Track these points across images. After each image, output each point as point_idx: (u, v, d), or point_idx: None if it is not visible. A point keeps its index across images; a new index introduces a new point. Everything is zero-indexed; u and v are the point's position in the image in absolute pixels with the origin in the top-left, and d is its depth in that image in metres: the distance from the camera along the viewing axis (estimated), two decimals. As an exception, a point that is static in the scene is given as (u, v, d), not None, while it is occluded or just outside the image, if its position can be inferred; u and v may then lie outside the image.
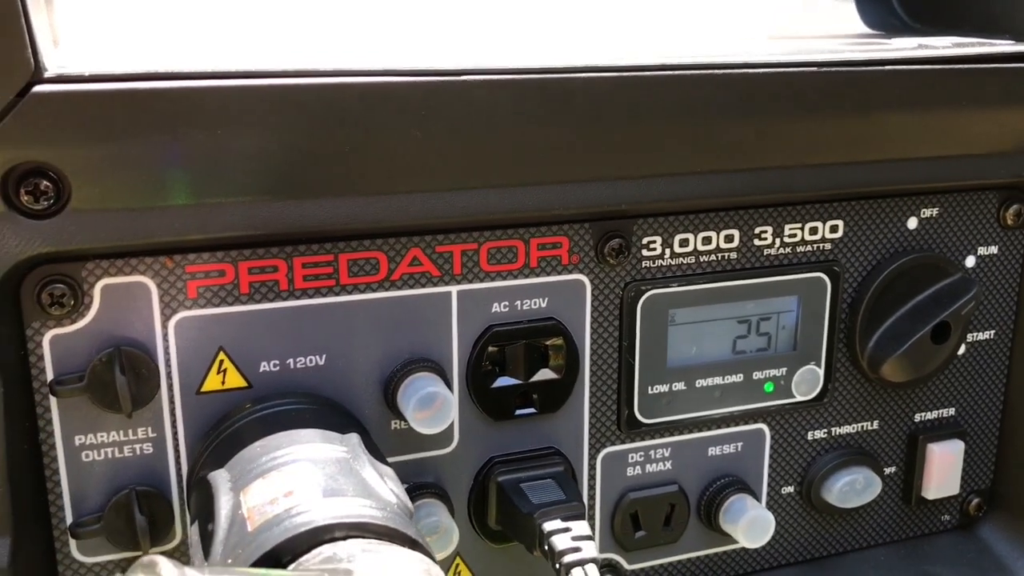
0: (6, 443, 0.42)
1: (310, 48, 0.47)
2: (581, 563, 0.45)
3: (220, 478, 0.41)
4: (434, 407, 0.47)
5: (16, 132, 0.38)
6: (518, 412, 0.51)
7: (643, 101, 0.46)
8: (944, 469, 0.61)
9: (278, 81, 0.41)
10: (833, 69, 0.49)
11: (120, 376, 0.42)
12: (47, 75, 0.38)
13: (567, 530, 0.46)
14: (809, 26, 0.61)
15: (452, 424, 0.50)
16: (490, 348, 0.50)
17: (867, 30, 0.62)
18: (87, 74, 0.38)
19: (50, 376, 0.43)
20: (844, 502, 0.59)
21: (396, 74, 0.42)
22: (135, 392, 0.43)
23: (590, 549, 0.45)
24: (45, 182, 0.39)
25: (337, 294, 0.47)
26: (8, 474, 0.42)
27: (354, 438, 0.43)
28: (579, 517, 0.47)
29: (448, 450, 0.51)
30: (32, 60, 0.37)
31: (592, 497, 0.54)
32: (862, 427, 0.59)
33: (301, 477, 0.39)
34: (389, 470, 0.42)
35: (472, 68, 0.43)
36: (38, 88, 0.37)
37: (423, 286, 0.48)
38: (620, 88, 0.46)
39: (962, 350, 0.60)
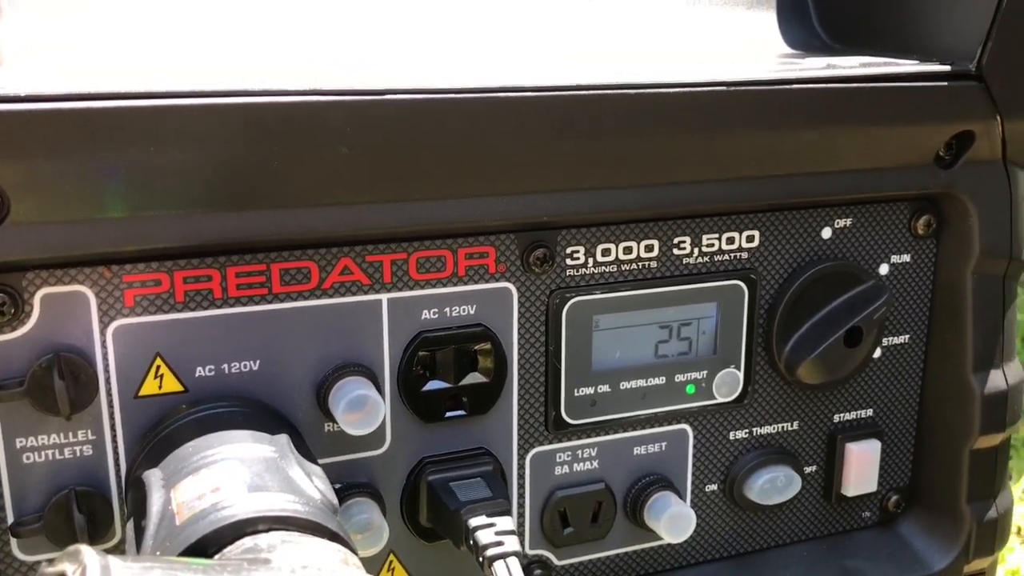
0: (-52, 445, 0.44)
1: (243, 66, 0.50)
2: (503, 556, 0.47)
3: (153, 476, 0.43)
4: (364, 410, 0.49)
5: (-45, 149, 0.40)
6: (448, 414, 0.53)
7: (563, 119, 0.49)
8: (862, 467, 0.64)
9: (209, 100, 0.43)
10: (745, 88, 0.52)
11: (59, 381, 0.45)
12: (-16, 94, 0.40)
13: (492, 525, 0.49)
14: (730, 46, 0.64)
15: (384, 426, 0.52)
16: (420, 353, 0.52)
17: (787, 50, 0.65)
18: (24, 94, 0.40)
19: (-9, 381, 0.45)
20: (766, 499, 0.61)
21: (321, 93, 0.45)
22: (74, 396, 0.45)
23: (513, 543, 0.48)
24: (-19, 196, 0.41)
25: (270, 302, 0.49)
26: (-50, 475, 0.44)
27: (283, 439, 0.45)
28: (505, 513, 0.50)
29: (380, 451, 0.53)
30: (-29, 80, 0.39)
31: (522, 495, 0.57)
32: (782, 427, 0.62)
33: (228, 474, 0.41)
34: (317, 469, 0.45)
35: (394, 88, 0.46)
36: (-25, 107, 0.40)
37: (354, 294, 0.50)
38: (540, 107, 0.48)
39: (878, 353, 0.63)
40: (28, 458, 0.46)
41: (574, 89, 0.49)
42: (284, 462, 0.43)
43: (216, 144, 0.44)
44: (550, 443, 0.57)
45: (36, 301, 0.45)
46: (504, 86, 0.48)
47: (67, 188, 0.42)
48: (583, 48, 0.61)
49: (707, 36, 0.65)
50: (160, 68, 0.48)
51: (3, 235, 0.42)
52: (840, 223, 0.60)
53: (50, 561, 0.32)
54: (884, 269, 0.62)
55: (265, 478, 0.41)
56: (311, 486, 0.42)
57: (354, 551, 0.39)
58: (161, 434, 0.46)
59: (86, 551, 0.32)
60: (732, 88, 0.52)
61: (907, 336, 0.64)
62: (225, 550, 0.38)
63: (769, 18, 0.67)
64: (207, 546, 0.38)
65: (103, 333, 0.46)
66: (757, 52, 0.64)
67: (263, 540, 0.37)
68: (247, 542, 0.38)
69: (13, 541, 0.47)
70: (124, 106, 0.42)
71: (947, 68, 0.57)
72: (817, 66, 0.56)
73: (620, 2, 0.64)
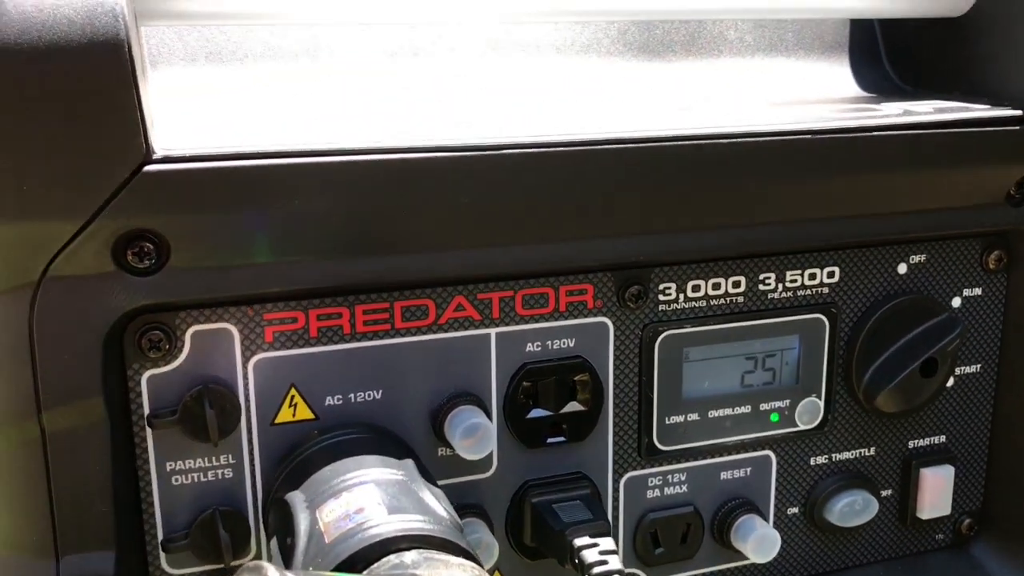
0: (112, 469, 0.48)
1: (373, 125, 0.54)
2: (609, 574, 0.51)
3: (297, 499, 0.47)
4: (477, 436, 0.53)
5: (127, 205, 0.45)
6: (549, 440, 0.57)
7: (657, 168, 0.53)
8: (936, 492, 0.67)
9: (345, 158, 0.47)
10: (828, 136, 0.56)
11: (209, 411, 0.49)
12: (155, 156, 0.45)
13: (595, 545, 0.53)
14: (807, 90, 0.68)
15: (492, 451, 0.56)
16: (525, 383, 0.56)
17: (861, 92, 0.69)
18: (188, 155, 0.45)
19: (147, 411, 0.50)
20: (844, 522, 0.65)
21: (444, 150, 0.49)
22: (221, 424, 0.50)
23: (616, 562, 0.51)
24: (148, 244, 0.46)
25: (392, 337, 0.53)
26: (113, 496, 0.49)
27: (409, 463, 0.49)
28: (605, 534, 0.54)
29: (488, 474, 0.57)
30: (144, 143, 0.44)
31: (616, 517, 0.60)
32: (860, 453, 0.65)
33: (368, 496, 0.45)
34: (440, 491, 0.49)
35: (509, 143, 0.50)
36: (148, 168, 0.44)
37: (466, 329, 0.55)
38: (637, 157, 0.52)
39: (951, 382, 0.66)
40: (176, 480, 0.51)
41: (667, 140, 0.53)
42: (414, 485, 0.47)
43: (352, 197, 0.48)
44: (643, 468, 0.60)
45: (187, 337, 0.50)
46: (604, 138, 0.52)
47: (221, 237, 0.47)
48: (668, 97, 0.65)
49: (784, 80, 0.69)
50: (298, 127, 0.53)
51: (162, 279, 0.47)
52: (915, 259, 0.63)
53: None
54: (957, 302, 0.65)
55: (401, 500, 0.45)
56: (440, 507, 0.46)
57: (483, 568, 0.43)
58: (298, 459, 0.50)
59: (268, 567, 0.36)
60: (817, 136, 0.55)
61: (979, 365, 0.67)
62: (373, 567, 0.42)
63: (843, 61, 0.71)
64: (356, 562, 0.42)
65: (245, 366, 0.51)
66: (833, 96, 0.67)
67: (407, 557, 0.41)
68: (392, 559, 0.42)
69: (163, 556, 0.52)
70: (273, 164, 0.46)
71: (1017, 112, 0.60)
72: (894, 112, 0.59)
73: (700, 50, 0.68)
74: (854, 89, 0.69)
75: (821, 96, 0.67)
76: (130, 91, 0.43)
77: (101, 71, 0.42)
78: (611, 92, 0.65)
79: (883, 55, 0.70)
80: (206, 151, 0.46)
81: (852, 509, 0.64)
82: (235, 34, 0.58)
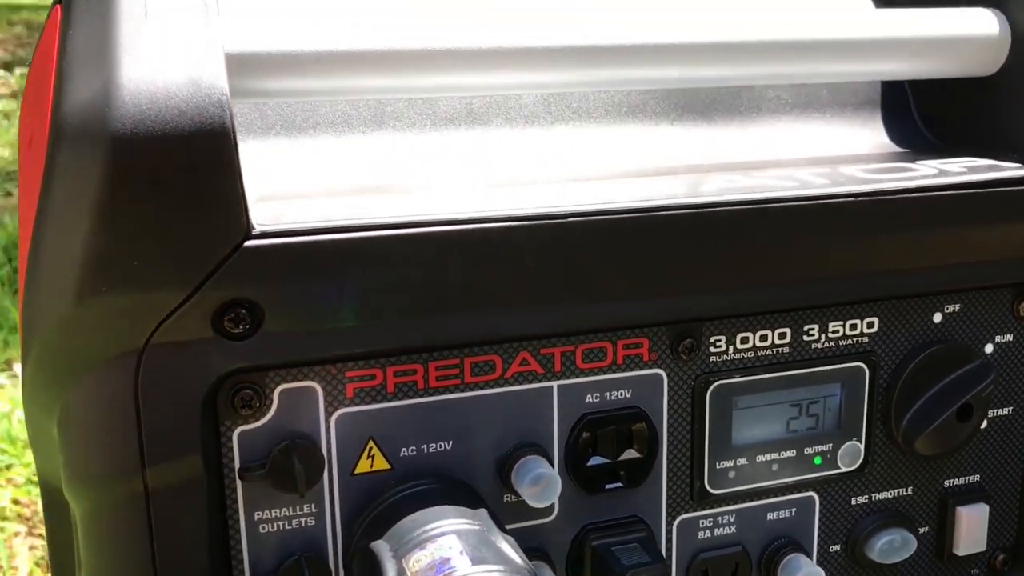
0: (207, 521, 0.52)
1: (445, 192, 0.58)
2: (669, 614, 0.54)
3: (382, 548, 0.50)
4: (543, 484, 0.56)
5: (228, 277, 0.48)
6: (608, 486, 0.61)
7: (709, 231, 0.56)
8: (972, 529, 0.70)
9: (428, 229, 0.51)
10: (870, 199, 0.59)
11: (297, 464, 0.53)
12: (254, 232, 0.48)
13: (655, 587, 0.56)
14: (844, 146, 0.72)
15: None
16: (584, 433, 0.60)
17: (895, 148, 0.72)
18: (284, 230, 0.49)
19: (238, 465, 0.53)
20: (884, 559, 0.68)
21: (513, 219, 0.53)
22: (307, 476, 0.53)
23: (675, 603, 0.55)
24: (244, 311, 0.50)
25: (462, 391, 0.57)
26: (208, 546, 0.52)
27: (483, 513, 0.53)
28: (664, 575, 0.57)
29: (550, 519, 0.60)
30: (245, 220, 0.48)
31: (669, 558, 0.63)
32: (898, 493, 0.68)
33: (451, 547, 0.49)
34: (512, 539, 0.52)
35: (574, 211, 0.54)
36: (248, 243, 0.48)
37: (530, 382, 0.58)
38: (691, 222, 0.56)
39: (984, 424, 0.69)
40: (263, 529, 0.54)
41: (720, 206, 0.56)
42: (491, 535, 0.51)
43: (431, 264, 0.52)
44: (694, 511, 0.63)
45: (275, 395, 0.53)
46: (661, 205, 0.55)
47: (311, 304, 0.50)
48: (714, 157, 0.68)
49: (821, 136, 0.72)
50: (374, 196, 0.57)
51: (257, 343, 0.50)
52: (950, 308, 0.67)
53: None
54: (989, 348, 0.68)
55: (482, 550, 0.49)
56: (516, 556, 0.49)
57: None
58: (379, 508, 0.54)
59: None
60: (859, 199, 0.59)
61: (1011, 408, 0.70)
62: (462, 614, 0.45)
63: (876, 118, 0.74)
64: (446, 610, 0.45)
65: (327, 421, 0.54)
66: (869, 152, 0.71)
67: (494, 605, 0.45)
68: (480, 606, 0.45)
69: (250, 600, 0.55)
70: (362, 237, 0.50)
71: (1048, 170, 0.63)
72: (929, 172, 0.63)
73: (741, 109, 0.71)
74: (888, 144, 0.73)
75: (857, 152, 0.71)
76: (234, 173, 0.47)
77: (208, 156, 0.46)
78: (659, 152, 0.68)
79: (915, 113, 0.74)
80: (301, 225, 0.49)
81: (891, 546, 0.67)
82: (307, 104, 0.62)
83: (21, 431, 1.86)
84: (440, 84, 0.57)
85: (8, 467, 1.84)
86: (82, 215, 0.46)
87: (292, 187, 0.58)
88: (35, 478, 1.51)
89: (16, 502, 1.76)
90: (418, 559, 0.48)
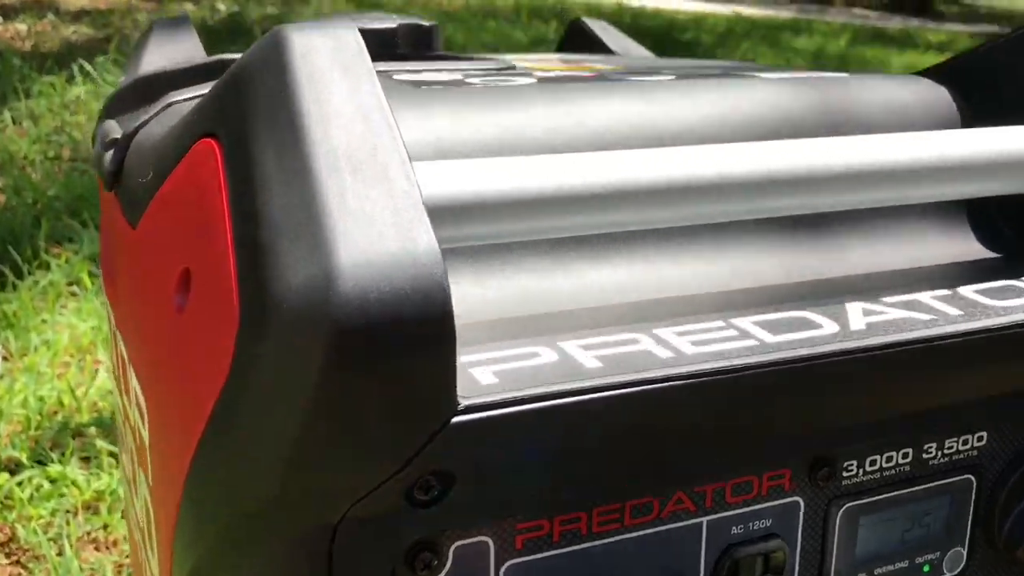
0: None
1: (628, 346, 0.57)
2: None
3: None
4: (699, 621, 0.57)
5: (430, 452, 0.47)
6: (748, 609, 0.62)
7: (862, 373, 0.58)
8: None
9: (612, 392, 0.51)
10: (1003, 333, 0.61)
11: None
12: (459, 407, 0.47)
13: None
14: (931, 249, 0.74)
15: (698, 625, 0.60)
16: (728, 563, 0.60)
17: (984, 252, 0.75)
18: (488, 403, 0.48)
19: (413, 622, 0.52)
20: (980, 656, 0.71)
21: (698, 376, 0.52)
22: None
23: None
24: (435, 480, 0.49)
25: (622, 533, 0.57)
26: None
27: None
28: None
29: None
30: (454, 397, 0.46)
31: (794, 671, 0.65)
32: (994, 593, 0.71)
33: None
34: None
35: (741, 366, 0.54)
36: (456, 419, 0.47)
37: (682, 520, 0.58)
38: (846, 367, 0.57)
39: (1070, 523, 0.72)
40: None
41: (873, 350, 0.57)
42: None
43: (613, 426, 0.51)
44: (821, 622, 0.65)
45: (450, 553, 0.52)
46: (824, 352, 0.56)
47: (502, 471, 0.50)
48: (813, 272, 0.69)
49: (912, 243, 0.74)
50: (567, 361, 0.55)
51: (442, 510, 0.49)
52: (1049, 418, 0.69)
53: None
54: (1084, 452, 0.71)
55: None
56: None
57: None
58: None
59: None
60: (994, 333, 0.61)
61: (1095, 507, 0.73)
62: None
63: (963, 223, 0.76)
64: None
65: (497, 571, 0.54)
66: (963, 260, 0.73)
67: None
68: None
69: None
70: (553, 404, 0.49)
71: None
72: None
73: (835, 219, 0.72)
74: (976, 248, 0.75)
75: (954, 261, 0.73)
76: (451, 351, 0.45)
77: (430, 339, 0.45)
78: (763, 265, 0.69)
79: (1000, 224, 0.76)
80: (502, 397, 0.48)
81: (986, 644, 0.70)
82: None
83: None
84: (655, 218, 0.56)
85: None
86: (295, 400, 0.44)
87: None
88: None
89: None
90: None
